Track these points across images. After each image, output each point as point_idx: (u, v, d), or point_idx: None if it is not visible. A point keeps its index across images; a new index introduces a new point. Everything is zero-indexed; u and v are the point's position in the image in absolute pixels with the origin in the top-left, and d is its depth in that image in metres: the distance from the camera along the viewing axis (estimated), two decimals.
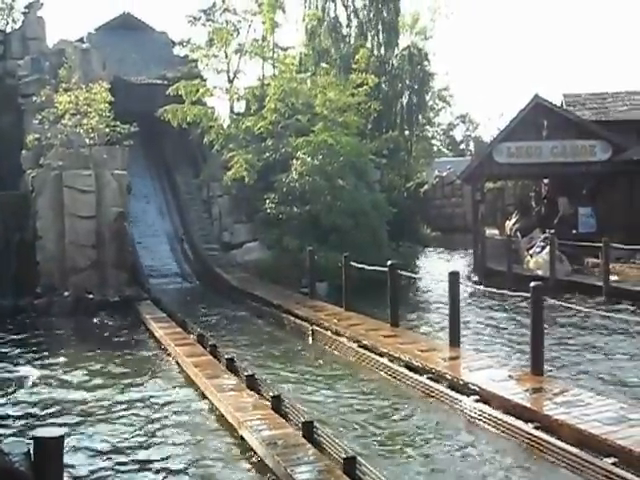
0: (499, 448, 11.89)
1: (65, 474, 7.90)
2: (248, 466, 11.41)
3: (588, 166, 34.58)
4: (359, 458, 10.15)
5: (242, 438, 12.13)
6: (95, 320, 24.24)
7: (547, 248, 30.25)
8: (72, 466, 11.30)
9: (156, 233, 34.82)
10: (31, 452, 7.26)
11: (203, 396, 14.91)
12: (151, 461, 11.81)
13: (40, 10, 37.25)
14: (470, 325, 22.06)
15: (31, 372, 17.66)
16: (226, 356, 16.61)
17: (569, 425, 11.53)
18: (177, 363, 17.86)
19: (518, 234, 36.60)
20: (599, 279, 26.99)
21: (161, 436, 12.94)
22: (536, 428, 11.88)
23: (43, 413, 14.40)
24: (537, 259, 31.72)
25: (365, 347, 18.04)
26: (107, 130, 28.96)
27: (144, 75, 37.88)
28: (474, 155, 63.00)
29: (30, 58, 35.11)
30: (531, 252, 33.23)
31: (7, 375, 17.37)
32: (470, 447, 12.06)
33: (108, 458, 11.95)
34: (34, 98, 30.85)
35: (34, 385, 16.53)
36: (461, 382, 14.31)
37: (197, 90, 34.27)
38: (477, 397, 13.55)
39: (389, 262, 20.20)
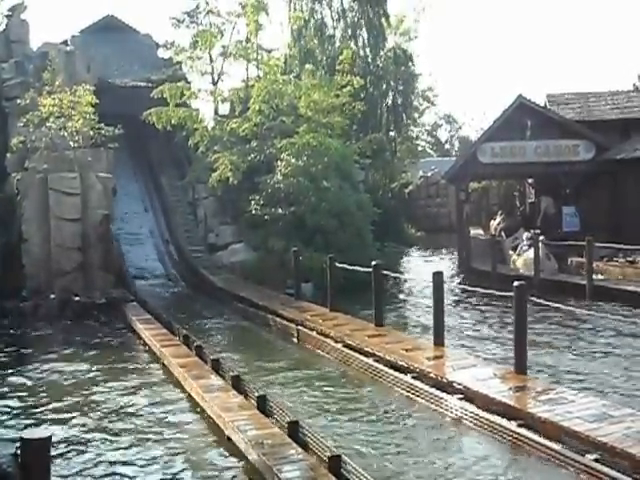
0: (483, 446, 12.00)
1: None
2: (235, 466, 11.47)
3: (572, 165, 34.75)
4: (344, 456, 10.25)
5: (228, 438, 12.20)
6: (81, 322, 24.23)
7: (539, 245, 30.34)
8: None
9: (142, 235, 34.85)
10: (18, 453, 7.31)
11: (189, 397, 14.97)
12: (136, 462, 11.87)
13: (24, 13, 37.22)
14: (454, 324, 22.16)
15: (16, 374, 17.73)
16: (212, 357, 16.70)
17: (552, 422, 11.63)
18: (163, 364, 17.90)
19: (503, 234, 36.73)
20: (583, 278, 27.11)
21: (146, 438, 12.99)
22: (520, 426, 11.98)
23: (27, 419, 14.42)
24: (525, 257, 31.72)
25: (350, 347, 18.12)
26: (92, 133, 28.94)
27: (128, 77, 37.88)
28: (459, 155, 63.17)
29: (14, 61, 35.07)
30: (518, 251, 33.33)
31: None
32: (454, 445, 12.18)
33: (94, 460, 12.00)
34: (18, 101, 30.82)
35: (20, 387, 16.58)
36: (445, 381, 14.41)
37: (182, 93, 34.29)
38: (461, 396, 13.66)
39: (374, 262, 20.29)
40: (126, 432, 13.29)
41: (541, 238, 30.70)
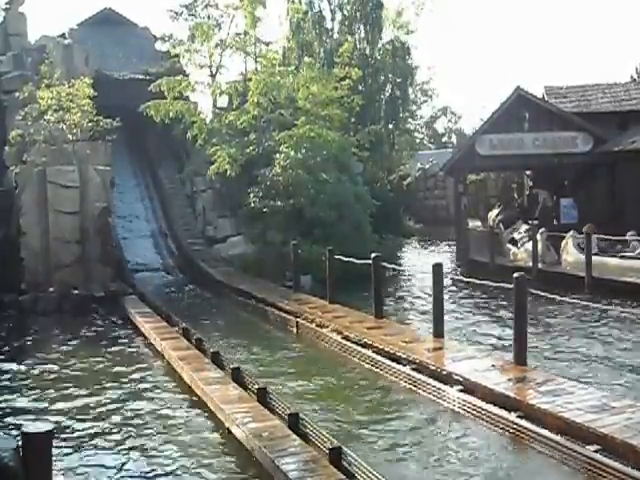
0: (483, 437, 12.02)
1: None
2: (235, 458, 11.51)
3: (569, 157, 34.75)
4: (344, 448, 10.27)
5: (229, 430, 12.22)
6: (80, 316, 24.21)
7: (538, 237, 30.29)
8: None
9: (140, 228, 34.85)
10: (20, 447, 7.31)
11: (189, 389, 14.99)
12: (138, 455, 11.89)
13: (21, 6, 37.14)
14: (454, 316, 22.18)
15: (17, 367, 17.74)
16: (211, 350, 16.72)
17: (552, 414, 11.65)
18: (163, 357, 17.92)
19: (501, 225, 36.73)
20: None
21: (147, 430, 13.02)
22: (520, 417, 12.01)
23: (27, 413, 14.42)
24: (527, 249, 31.55)
25: (349, 339, 18.14)
26: (90, 125, 28.94)
27: (126, 70, 37.85)
28: (456, 147, 63.21)
29: (12, 54, 35.01)
30: (519, 242, 33.25)
31: None
32: (453, 436, 12.20)
33: (96, 455, 12.02)
34: (17, 94, 30.80)
35: (18, 381, 16.60)
36: (444, 372, 14.43)
37: (179, 85, 34.23)
38: (461, 387, 13.68)
39: (373, 254, 20.33)
40: (123, 426, 13.31)
41: (542, 229, 30.76)
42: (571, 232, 29.66)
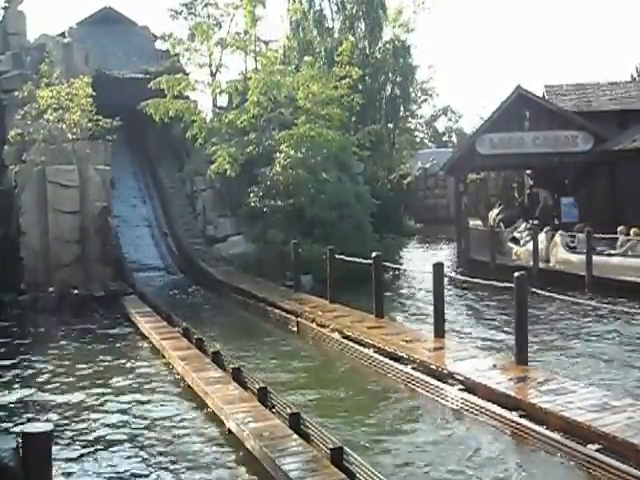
0: (484, 437, 11.98)
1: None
2: (236, 458, 11.47)
3: (570, 156, 34.72)
4: (346, 448, 10.23)
5: (229, 431, 12.18)
6: (80, 315, 24.15)
7: (543, 236, 30.31)
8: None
9: (140, 228, 34.80)
10: (20, 447, 7.28)
11: (190, 389, 14.94)
12: (139, 455, 11.86)
13: (21, 5, 37.07)
14: (455, 316, 22.15)
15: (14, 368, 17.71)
16: (212, 349, 16.69)
17: (554, 413, 11.61)
18: (163, 357, 17.87)
19: (501, 225, 36.71)
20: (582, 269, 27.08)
21: (147, 431, 12.98)
22: (521, 416, 11.96)
23: (27, 413, 14.38)
24: (529, 247, 31.48)
25: (350, 338, 18.10)
26: (90, 125, 28.89)
27: (126, 69, 37.82)
28: (456, 146, 63.21)
29: (11, 53, 34.95)
30: (522, 241, 33.21)
31: None
32: (454, 436, 12.16)
33: (96, 454, 11.99)
34: (16, 93, 30.75)
35: (17, 381, 16.55)
36: (445, 372, 14.38)
37: (179, 84, 34.18)
38: (462, 387, 13.63)
39: (373, 254, 20.29)
40: (123, 427, 13.28)
41: (547, 228, 30.78)
42: (560, 231, 29.98)
